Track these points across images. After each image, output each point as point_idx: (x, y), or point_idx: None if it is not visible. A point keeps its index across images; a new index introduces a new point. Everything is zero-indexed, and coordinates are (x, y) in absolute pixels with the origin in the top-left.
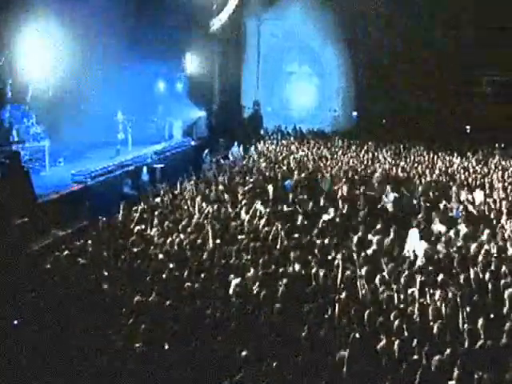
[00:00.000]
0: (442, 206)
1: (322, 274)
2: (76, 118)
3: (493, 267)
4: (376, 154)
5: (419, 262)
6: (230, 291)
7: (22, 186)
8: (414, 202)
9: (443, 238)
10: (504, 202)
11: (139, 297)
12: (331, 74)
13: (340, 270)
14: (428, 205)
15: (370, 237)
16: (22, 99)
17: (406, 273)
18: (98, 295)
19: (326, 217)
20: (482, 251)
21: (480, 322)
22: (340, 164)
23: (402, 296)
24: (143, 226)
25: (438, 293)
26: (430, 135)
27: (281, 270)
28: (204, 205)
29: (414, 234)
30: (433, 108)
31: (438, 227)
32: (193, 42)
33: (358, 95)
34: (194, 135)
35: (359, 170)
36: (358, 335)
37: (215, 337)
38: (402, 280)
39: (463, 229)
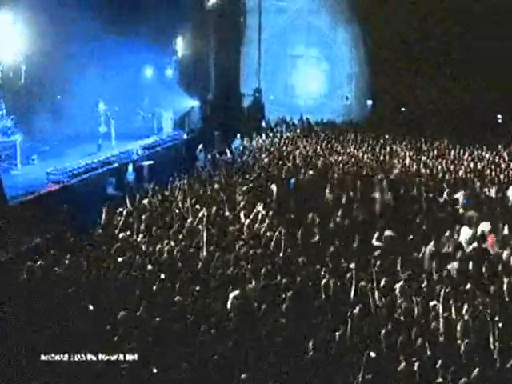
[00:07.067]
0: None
1: (332, 285)
2: (52, 109)
3: None
4: (395, 147)
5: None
6: (228, 305)
7: None
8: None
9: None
10: None
11: (124, 312)
12: (342, 58)
13: (353, 281)
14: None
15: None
16: None
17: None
18: (77, 310)
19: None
20: None
21: None
22: (353, 160)
23: (423, 310)
24: (129, 232)
25: (465, 306)
26: (455, 126)
27: (285, 281)
28: (198, 207)
29: (465, 232)
30: (459, 95)
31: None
32: (185, 22)
33: (373, 81)
34: (186, 128)
35: (374, 166)
36: (373, 355)
37: (210, 356)
38: (424, 291)
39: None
